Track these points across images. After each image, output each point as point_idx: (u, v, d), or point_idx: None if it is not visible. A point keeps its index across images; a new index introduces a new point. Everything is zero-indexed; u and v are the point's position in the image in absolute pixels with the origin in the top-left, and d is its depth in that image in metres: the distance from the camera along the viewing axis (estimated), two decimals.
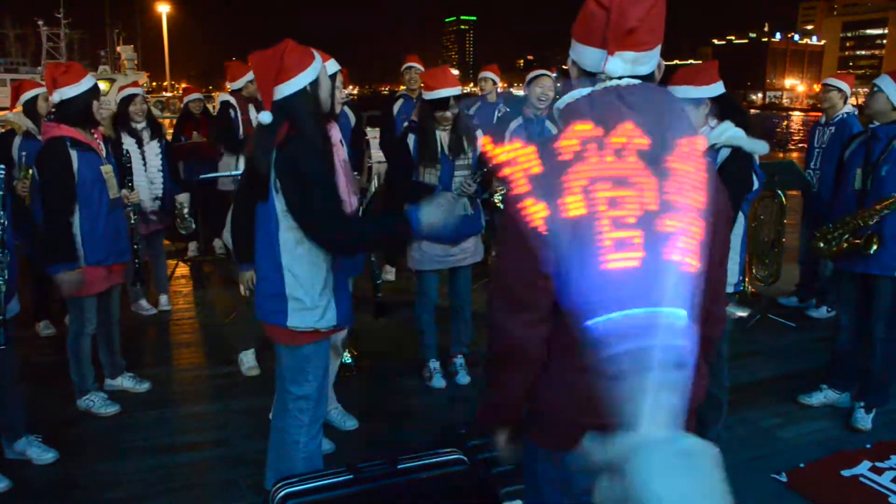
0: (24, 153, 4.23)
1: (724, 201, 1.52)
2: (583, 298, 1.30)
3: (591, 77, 1.44)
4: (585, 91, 1.41)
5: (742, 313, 3.04)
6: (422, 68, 5.85)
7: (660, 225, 1.33)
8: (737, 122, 2.91)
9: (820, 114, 5.29)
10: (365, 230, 2.46)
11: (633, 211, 1.32)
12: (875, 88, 3.43)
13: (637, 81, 1.40)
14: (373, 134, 6.92)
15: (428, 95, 3.68)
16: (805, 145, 5.59)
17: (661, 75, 1.50)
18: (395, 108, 5.89)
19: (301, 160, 2.28)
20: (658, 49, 1.43)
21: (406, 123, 3.86)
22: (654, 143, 1.35)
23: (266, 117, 2.31)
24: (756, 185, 3.02)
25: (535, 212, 1.34)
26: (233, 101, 5.81)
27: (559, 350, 1.45)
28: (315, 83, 2.34)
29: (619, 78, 1.40)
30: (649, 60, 1.42)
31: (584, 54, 1.44)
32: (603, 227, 1.31)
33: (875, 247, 3.38)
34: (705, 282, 1.50)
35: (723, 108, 2.92)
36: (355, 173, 3.72)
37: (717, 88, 2.90)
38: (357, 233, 2.41)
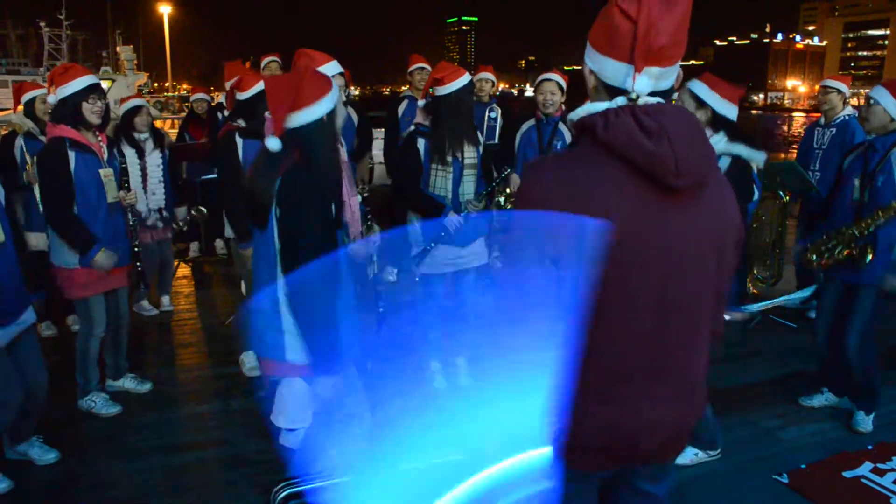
0: (27, 152, 4.26)
1: (737, 219, 1.49)
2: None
3: (610, 90, 1.38)
4: (601, 107, 1.36)
5: (740, 315, 3.05)
6: (430, 69, 5.77)
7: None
8: (736, 140, 2.91)
9: (819, 114, 5.25)
10: (325, 304, 2.30)
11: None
12: (872, 101, 3.36)
13: (655, 100, 1.35)
14: (374, 134, 6.90)
15: (448, 88, 3.54)
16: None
17: (679, 84, 1.46)
18: (400, 109, 5.79)
19: (305, 193, 2.19)
20: (679, 60, 1.37)
21: (412, 126, 3.74)
22: (670, 172, 1.31)
23: (274, 144, 2.21)
24: (756, 195, 3.03)
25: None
26: (224, 102, 5.81)
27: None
28: (332, 113, 2.26)
29: (637, 97, 1.35)
30: (672, 74, 1.37)
31: (606, 66, 1.37)
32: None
33: (870, 257, 3.35)
34: (716, 303, 1.50)
35: (727, 128, 2.92)
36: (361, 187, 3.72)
37: (727, 108, 2.90)
38: (319, 301, 2.28)
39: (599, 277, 1.34)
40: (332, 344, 2.37)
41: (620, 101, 1.35)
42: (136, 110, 4.82)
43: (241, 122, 3.92)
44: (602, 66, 1.38)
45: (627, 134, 1.30)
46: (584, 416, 1.43)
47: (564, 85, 4.67)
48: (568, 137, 4.68)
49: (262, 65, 5.47)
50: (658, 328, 1.39)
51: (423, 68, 5.82)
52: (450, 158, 3.63)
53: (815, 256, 3.56)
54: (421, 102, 3.75)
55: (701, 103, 2.90)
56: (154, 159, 4.84)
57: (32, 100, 4.46)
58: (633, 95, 1.34)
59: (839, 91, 4.99)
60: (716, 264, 1.44)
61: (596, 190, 1.32)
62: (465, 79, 3.57)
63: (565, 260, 1.35)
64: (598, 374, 1.41)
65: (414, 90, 5.82)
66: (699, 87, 2.93)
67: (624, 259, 1.33)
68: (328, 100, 2.25)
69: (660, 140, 1.29)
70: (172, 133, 7.25)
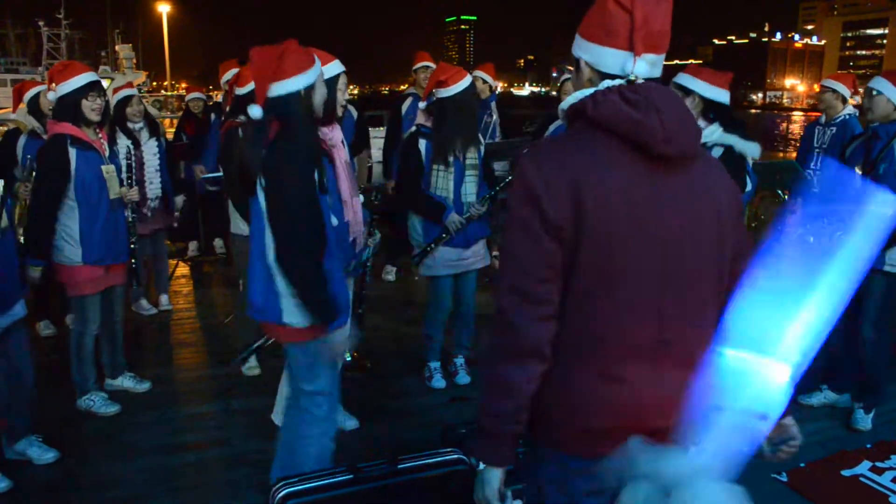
0: (28, 156, 4.22)
1: (735, 194, 1.53)
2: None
3: (606, 78, 1.43)
4: (588, 92, 1.42)
5: None
6: (434, 67, 5.73)
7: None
8: (730, 130, 2.93)
9: (819, 113, 5.25)
10: (312, 280, 2.38)
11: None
12: (874, 92, 3.40)
13: (640, 80, 1.41)
14: (374, 134, 6.88)
15: (452, 90, 3.55)
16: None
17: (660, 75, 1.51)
18: (404, 107, 5.74)
19: (286, 164, 2.29)
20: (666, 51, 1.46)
21: (413, 127, 3.74)
22: (658, 139, 1.35)
23: (255, 112, 2.33)
24: (749, 187, 3.04)
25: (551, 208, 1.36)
26: (222, 101, 5.82)
27: (567, 351, 1.44)
28: (310, 88, 2.35)
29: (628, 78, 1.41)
30: (661, 63, 1.44)
31: (604, 56, 1.42)
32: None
33: None
34: (724, 280, 1.51)
35: (721, 116, 2.94)
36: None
37: (716, 93, 2.93)
38: (308, 274, 2.36)
39: (598, 252, 1.36)
40: (330, 298, 2.44)
41: (607, 83, 1.41)
42: (126, 101, 4.79)
43: (242, 118, 3.90)
44: (599, 56, 1.43)
45: (615, 108, 1.37)
46: (587, 396, 1.43)
47: None
48: None
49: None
50: (659, 304, 1.40)
51: (427, 66, 5.79)
52: (451, 159, 3.64)
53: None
54: (422, 104, 3.73)
55: (686, 91, 2.94)
56: (150, 148, 4.84)
57: (36, 96, 4.44)
58: (633, 77, 1.40)
59: (836, 91, 5.00)
60: (716, 239, 1.46)
61: (591, 168, 1.36)
62: (467, 80, 3.60)
63: (565, 238, 1.36)
64: (599, 352, 1.42)
65: (418, 88, 5.80)
66: (682, 78, 2.99)
67: (621, 234, 1.36)
68: (307, 75, 2.33)
69: (647, 110, 1.36)
70: (170, 132, 7.23)
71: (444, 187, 3.68)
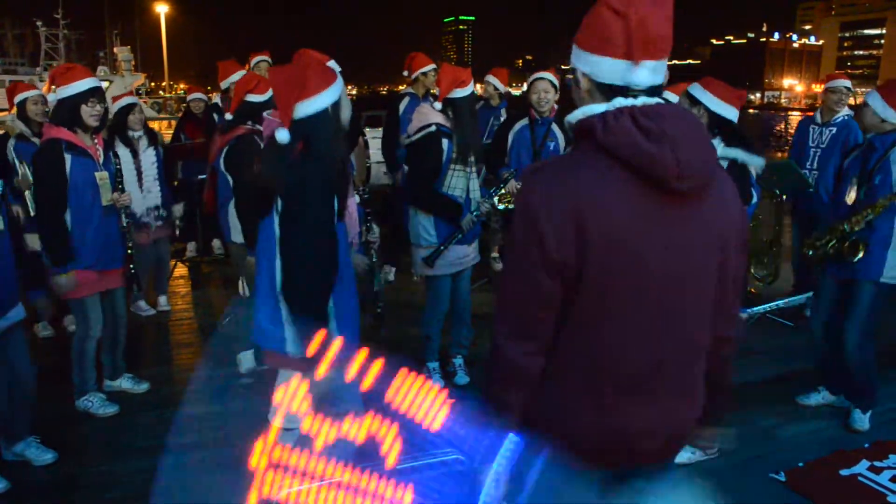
0: (24, 162, 4.23)
1: (742, 221, 1.49)
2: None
3: (606, 90, 1.37)
4: (598, 109, 1.35)
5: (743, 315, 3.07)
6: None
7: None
8: (733, 145, 2.94)
9: (811, 112, 5.25)
10: (319, 298, 2.33)
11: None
12: (864, 104, 3.45)
13: (654, 101, 1.34)
14: (372, 134, 6.88)
15: (468, 90, 3.62)
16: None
17: (665, 81, 1.46)
18: (401, 106, 5.74)
19: (306, 183, 2.22)
20: (668, 57, 1.39)
21: (433, 127, 3.67)
22: (671, 175, 1.30)
23: (283, 136, 2.24)
24: (755, 199, 3.05)
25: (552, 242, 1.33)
26: (220, 103, 5.79)
27: (563, 376, 1.45)
28: (337, 104, 2.29)
29: (636, 95, 1.34)
30: (663, 68, 1.38)
31: (601, 65, 1.35)
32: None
33: (860, 254, 3.36)
34: (717, 308, 1.49)
35: (725, 132, 2.95)
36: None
37: (724, 108, 2.93)
38: (313, 294, 2.31)
39: (599, 282, 1.34)
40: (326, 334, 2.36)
41: (619, 102, 1.34)
42: (129, 108, 4.79)
43: (257, 126, 3.83)
44: (596, 66, 1.36)
45: (627, 137, 1.29)
46: (580, 420, 1.44)
47: (558, 84, 4.68)
48: (561, 138, 4.70)
49: (252, 64, 5.42)
50: (657, 332, 1.40)
51: (436, 69, 5.83)
52: (471, 158, 3.66)
53: (811, 252, 3.59)
54: (438, 105, 3.69)
55: (694, 101, 2.95)
56: (148, 157, 4.83)
57: (24, 101, 4.43)
58: (637, 88, 1.34)
59: (851, 92, 5.01)
60: (717, 267, 1.44)
61: (596, 195, 1.31)
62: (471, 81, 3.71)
63: (566, 272, 1.34)
64: (594, 377, 1.41)
65: (419, 88, 5.79)
66: (694, 88, 3.01)
67: (624, 264, 1.33)
68: (332, 91, 2.27)
69: (660, 142, 1.28)
70: (169, 133, 7.22)
71: (461, 186, 3.68)
